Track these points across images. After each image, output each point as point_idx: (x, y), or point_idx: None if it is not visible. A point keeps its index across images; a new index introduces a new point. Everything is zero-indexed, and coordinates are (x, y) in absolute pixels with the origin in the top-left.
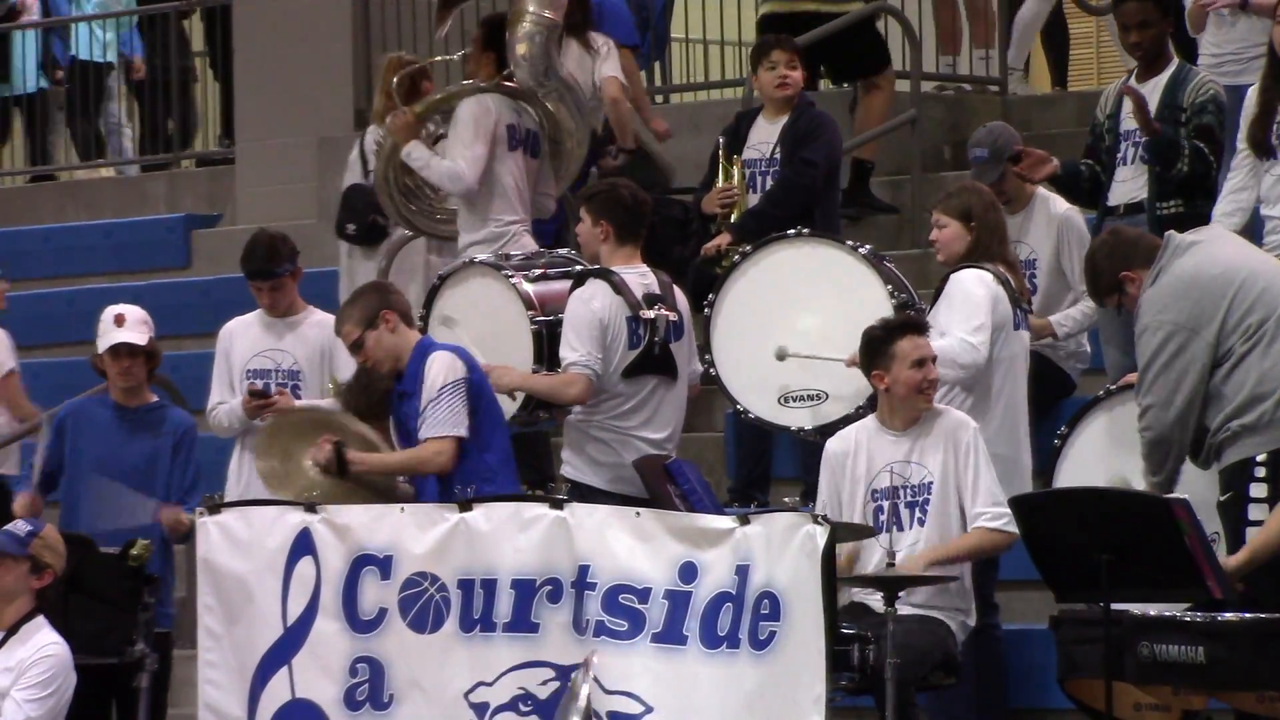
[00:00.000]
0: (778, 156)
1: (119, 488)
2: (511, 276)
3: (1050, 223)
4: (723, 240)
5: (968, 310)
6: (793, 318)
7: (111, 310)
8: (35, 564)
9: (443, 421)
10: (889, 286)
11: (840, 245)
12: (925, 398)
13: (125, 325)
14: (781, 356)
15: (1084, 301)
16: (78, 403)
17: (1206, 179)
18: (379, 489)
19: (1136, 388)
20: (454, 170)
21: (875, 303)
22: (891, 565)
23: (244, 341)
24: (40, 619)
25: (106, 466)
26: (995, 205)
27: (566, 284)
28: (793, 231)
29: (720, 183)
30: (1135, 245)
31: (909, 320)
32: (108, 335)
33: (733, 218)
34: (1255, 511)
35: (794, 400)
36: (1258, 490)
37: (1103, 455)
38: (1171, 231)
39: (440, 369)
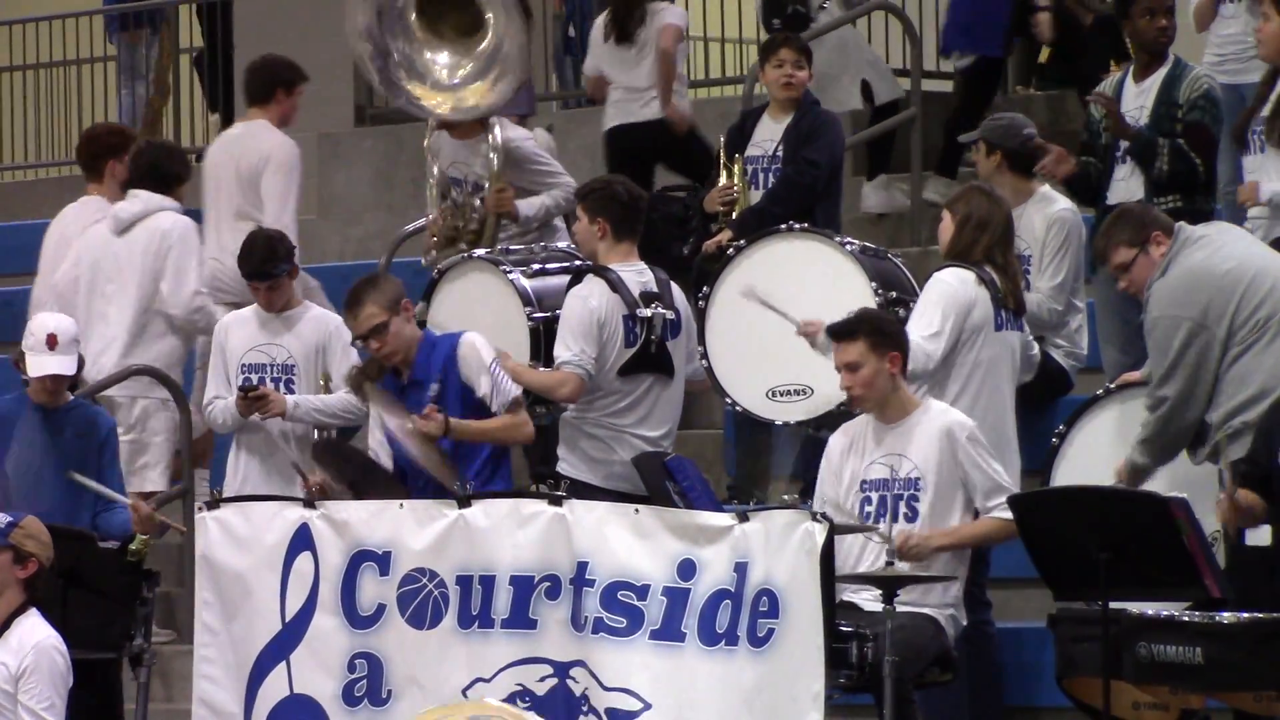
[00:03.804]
0: (780, 154)
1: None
2: (510, 272)
3: (1045, 220)
4: (724, 237)
5: (930, 313)
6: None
7: (44, 325)
8: (18, 554)
9: (505, 390)
10: (874, 283)
11: (829, 241)
12: (851, 403)
13: (58, 348)
14: (748, 295)
15: (1034, 295)
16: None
17: (1192, 176)
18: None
19: (1158, 381)
20: (565, 193)
21: (860, 297)
22: (891, 564)
23: (239, 336)
24: (33, 612)
25: (33, 465)
26: (998, 208)
27: (565, 280)
28: (784, 226)
29: (721, 181)
30: (1143, 217)
31: (835, 327)
32: (39, 359)
33: (734, 215)
34: None
35: (780, 395)
36: None
37: (1101, 454)
38: (1182, 223)
39: (483, 345)
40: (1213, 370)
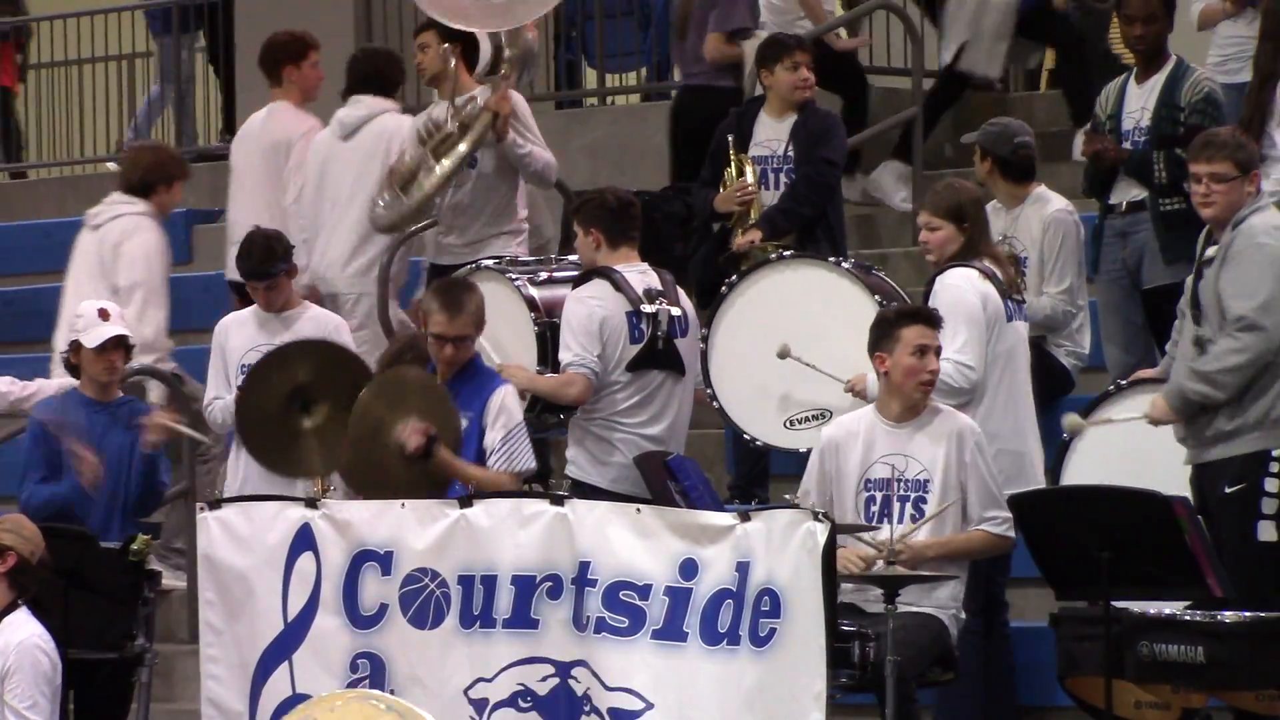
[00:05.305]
0: (790, 154)
1: None
2: (516, 280)
3: (1041, 222)
4: (755, 235)
5: (954, 326)
6: (788, 341)
7: (92, 305)
8: None
9: (517, 457)
10: (876, 296)
11: (823, 264)
12: (921, 388)
13: (110, 320)
14: (783, 355)
15: (1047, 298)
16: (49, 402)
17: None
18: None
19: (1258, 307)
20: (552, 162)
21: (865, 315)
22: (892, 563)
23: (239, 336)
24: (22, 610)
25: None
26: (966, 194)
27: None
28: (774, 256)
29: (734, 180)
30: (1255, 152)
31: (921, 310)
32: (95, 330)
33: (751, 214)
34: (1268, 505)
35: (799, 422)
36: (1272, 485)
37: (1110, 453)
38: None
39: (516, 404)
40: None
